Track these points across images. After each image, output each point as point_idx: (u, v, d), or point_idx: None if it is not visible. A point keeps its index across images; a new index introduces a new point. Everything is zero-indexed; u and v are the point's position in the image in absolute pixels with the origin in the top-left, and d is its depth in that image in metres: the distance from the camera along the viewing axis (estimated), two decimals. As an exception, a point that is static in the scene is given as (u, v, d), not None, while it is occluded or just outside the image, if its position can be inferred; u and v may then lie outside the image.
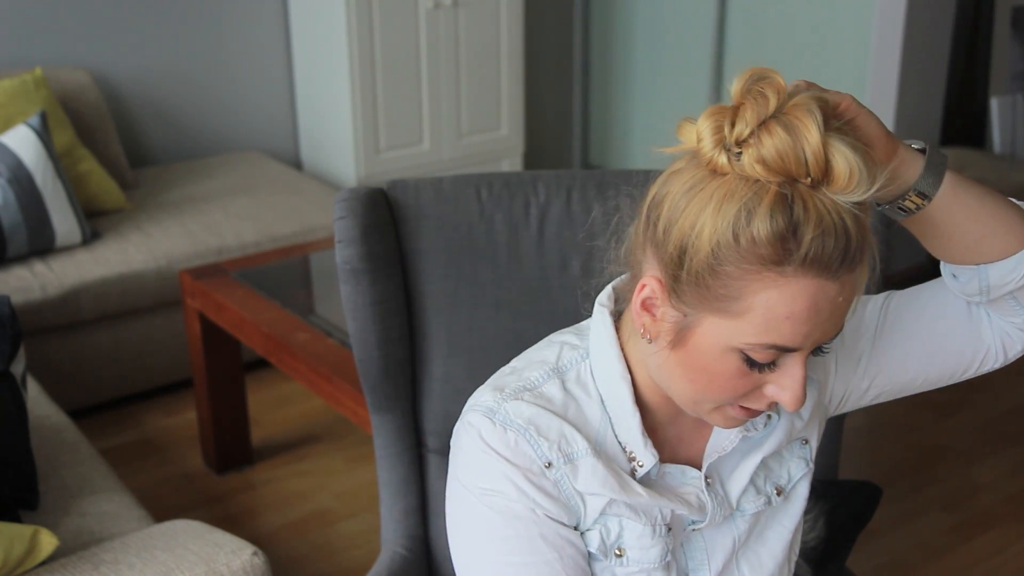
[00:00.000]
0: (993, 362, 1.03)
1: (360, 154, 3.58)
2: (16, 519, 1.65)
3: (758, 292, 0.82)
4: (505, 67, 3.82)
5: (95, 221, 3.01)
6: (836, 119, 0.85)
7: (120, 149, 3.31)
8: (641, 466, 0.96)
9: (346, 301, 1.47)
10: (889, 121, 3.55)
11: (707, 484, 1.00)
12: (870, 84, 3.57)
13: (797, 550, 1.09)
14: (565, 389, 0.97)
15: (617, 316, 1.00)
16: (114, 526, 1.72)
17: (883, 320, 1.04)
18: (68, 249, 2.85)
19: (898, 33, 3.45)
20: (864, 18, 3.57)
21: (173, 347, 2.95)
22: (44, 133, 2.84)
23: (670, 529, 0.99)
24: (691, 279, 0.85)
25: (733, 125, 0.82)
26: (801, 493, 1.06)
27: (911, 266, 1.96)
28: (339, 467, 2.70)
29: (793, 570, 1.09)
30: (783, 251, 0.80)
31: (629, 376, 0.96)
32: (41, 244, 2.78)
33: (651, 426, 0.99)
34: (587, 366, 0.98)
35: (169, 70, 3.57)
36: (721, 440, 1.00)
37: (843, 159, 0.80)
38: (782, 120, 0.81)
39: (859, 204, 0.82)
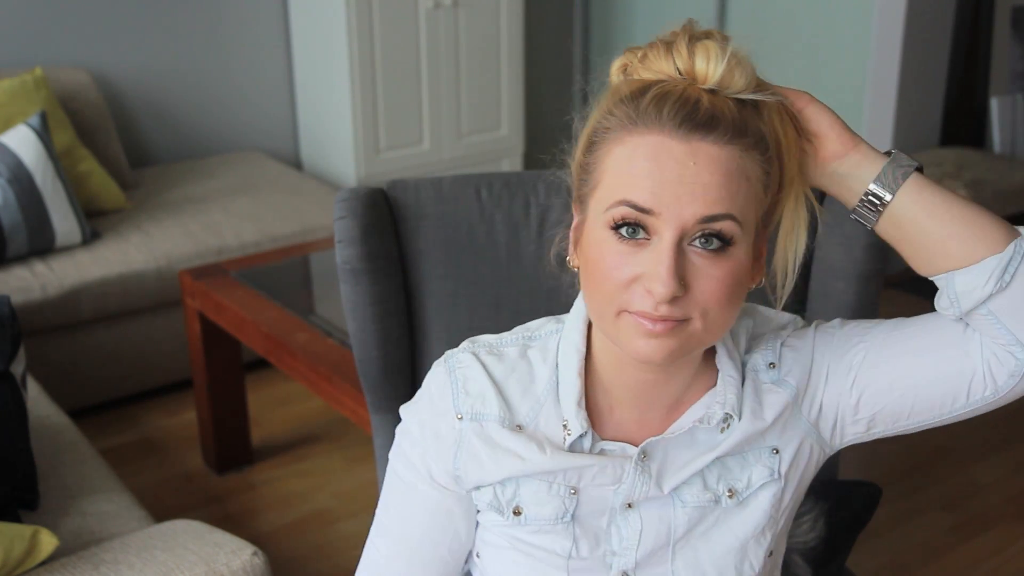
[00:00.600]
0: (983, 391, 0.97)
1: (360, 154, 3.58)
2: (16, 519, 1.65)
3: (610, 152, 0.91)
4: (505, 67, 3.82)
5: (95, 221, 3.01)
6: (790, 114, 0.94)
7: (120, 149, 3.31)
8: (569, 434, 1.00)
9: (346, 301, 1.47)
10: (889, 121, 3.55)
11: (642, 461, 1.00)
12: (870, 84, 3.58)
13: (756, 563, 1.03)
14: (524, 354, 1.04)
15: None
16: (114, 526, 1.72)
17: (879, 336, 1.01)
18: (68, 249, 2.85)
19: (898, 33, 3.45)
20: (864, 18, 3.57)
21: (173, 347, 2.95)
22: (44, 133, 2.84)
23: (575, 492, 1.00)
24: (578, 175, 0.96)
25: (632, 57, 0.94)
26: (761, 504, 1.02)
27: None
28: (339, 467, 2.70)
29: None
30: (631, 111, 0.89)
31: (584, 349, 1.01)
32: (41, 244, 2.79)
33: (606, 405, 1.02)
34: (556, 339, 1.04)
35: (169, 70, 3.57)
36: (674, 428, 1.00)
37: (703, 56, 0.89)
38: (664, 41, 0.92)
39: (753, 101, 0.90)
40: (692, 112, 0.87)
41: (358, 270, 1.44)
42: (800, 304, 1.53)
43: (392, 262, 1.47)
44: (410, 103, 3.64)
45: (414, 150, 3.71)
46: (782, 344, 1.03)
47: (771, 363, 1.02)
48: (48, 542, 1.52)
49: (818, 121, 0.95)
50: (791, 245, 0.97)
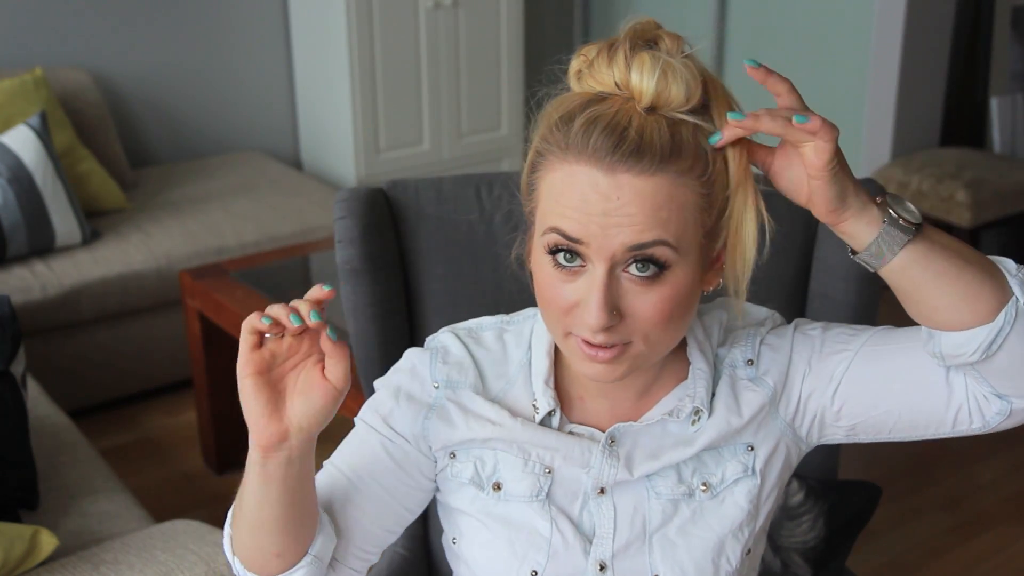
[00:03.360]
0: (969, 423, 0.96)
1: (360, 154, 3.58)
2: (16, 519, 1.65)
3: (545, 176, 0.91)
4: (505, 67, 3.82)
5: (95, 221, 3.01)
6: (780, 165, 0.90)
7: (120, 149, 3.31)
8: (538, 411, 1.01)
9: (346, 301, 1.47)
10: (889, 121, 3.55)
11: (609, 445, 1.00)
12: (870, 84, 3.58)
13: (733, 559, 1.02)
14: (500, 338, 1.07)
15: None
16: (114, 526, 1.72)
17: (866, 349, 0.99)
18: (68, 249, 2.85)
19: (898, 33, 3.45)
20: (864, 18, 3.57)
21: (173, 347, 2.95)
22: (44, 133, 2.84)
23: (549, 471, 1.01)
24: (525, 188, 0.95)
25: (588, 57, 0.92)
26: (738, 500, 1.02)
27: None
28: (339, 467, 2.69)
29: None
30: (562, 137, 0.88)
31: None
32: (41, 244, 2.79)
33: (576, 393, 1.03)
34: (531, 324, 1.07)
35: (169, 70, 3.57)
36: (644, 417, 1.01)
37: (637, 71, 0.87)
38: (612, 45, 0.90)
39: (695, 122, 0.88)
40: (619, 142, 0.85)
41: (358, 270, 1.44)
42: (800, 304, 1.53)
43: (392, 262, 1.47)
44: (410, 103, 3.64)
45: (414, 150, 3.71)
46: (761, 341, 1.03)
47: (749, 360, 1.02)
48: (48, 542, 1.52)
49: (818, 194, 0.87)
50: (740, 244, 0.93)
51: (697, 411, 1.00)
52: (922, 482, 2.63)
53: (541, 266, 0.92)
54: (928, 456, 2.74)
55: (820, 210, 0.88)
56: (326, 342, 0.89)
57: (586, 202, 0.87)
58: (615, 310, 0.88)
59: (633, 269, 0.88)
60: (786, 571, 1.53)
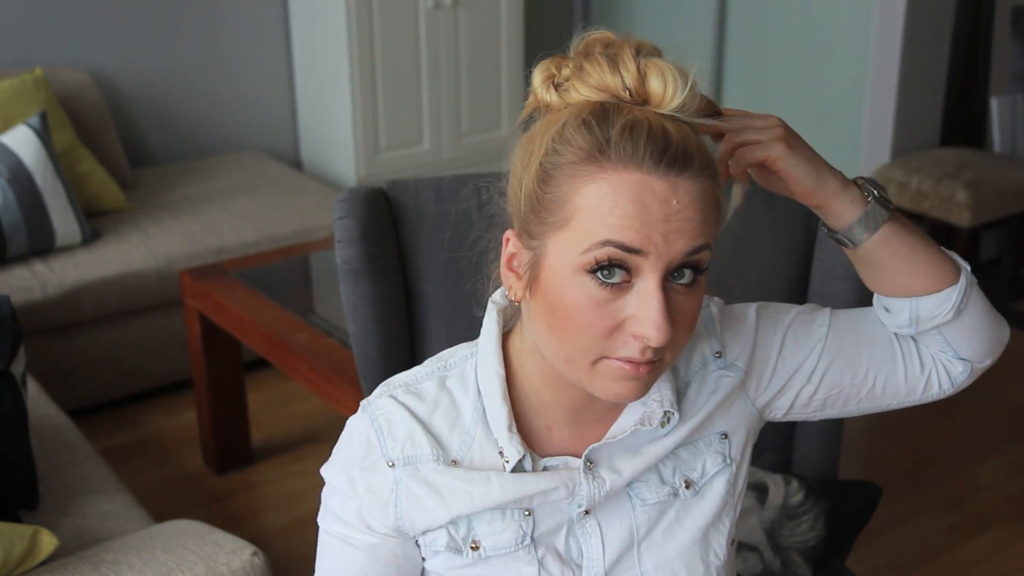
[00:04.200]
0: (939, 386, 1.06)
1: (360, 154, 3.58)
2: (16, 519, 1.65)
3: (580, 189, 0.85)
4: (505, 67, 3.82)
5: (95, 221, 3.01)
6: (764, 167, 0.95)
7: (120, 149, 3.31)
8: (507, 461, 0.95)
9: (346, 301, 1.47)
10: (889, 121, 3.55)
11: (588, 469, 0.97)
12: (870, 84, 3.58)
13: (720, 552, 1.03)
14: (444, 386, 0.99)
15: (513, 315, 1.00)
16: (114, 526, 1.72)
17: (841, 331, 1.04)
18: (68, 249, 2.85)
19: (898, 33, 3.45)
20: (864, 18, 3.57)
21: (173, 347, 2.95)
22: (44, 133, 2.84)
23: (529, 513, 0.97)
24: (530, 207, 0.88)
25: (559, 68, 0.89)
26: (717, 490, 1.01)
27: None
28: (339, 467, 2.69)
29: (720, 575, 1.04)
30: (597, 145, 0.84)
31: (503, 372, 0.97)
32: (41, 244, 2.79)
33: (541, 426, 0.98)
34: (472, 364, 1.00)
35: (169, 70, 3.57)
36: (615, 431, 0.98)
37: (658, 77, 0.85)
38: (605, 53, 0.88)
39: (699, 122, 0.88)
40: (666, 147, 0.84)
41: (358, 270, 1.44)
42: (800, 304, 1.53)
43: (392, 262, 1.47)
44: (410, 103, 3.64)
45: (414, 150, 3.71)
46: (720, 327, 1.03)
47: (717, 352, 1.02)
48: (48, 542, 1.52)
49: (790, 180, 0.95)
50: None
51: (667, 414, 0.99)
52: (922, 482, 2.63)
53: (571, 289, 0.86)
54: (928, 456, 2.74)
55: (801, 189, 0.95)
56: None
57: (646, 210, 0.83)
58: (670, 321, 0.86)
59: (675, 277, 0.86)
60: (786, 571, 1.53)
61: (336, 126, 3.63)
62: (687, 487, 1.01)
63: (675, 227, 0.84)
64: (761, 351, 1.02)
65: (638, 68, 0.86)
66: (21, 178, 2.74)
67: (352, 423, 1.00)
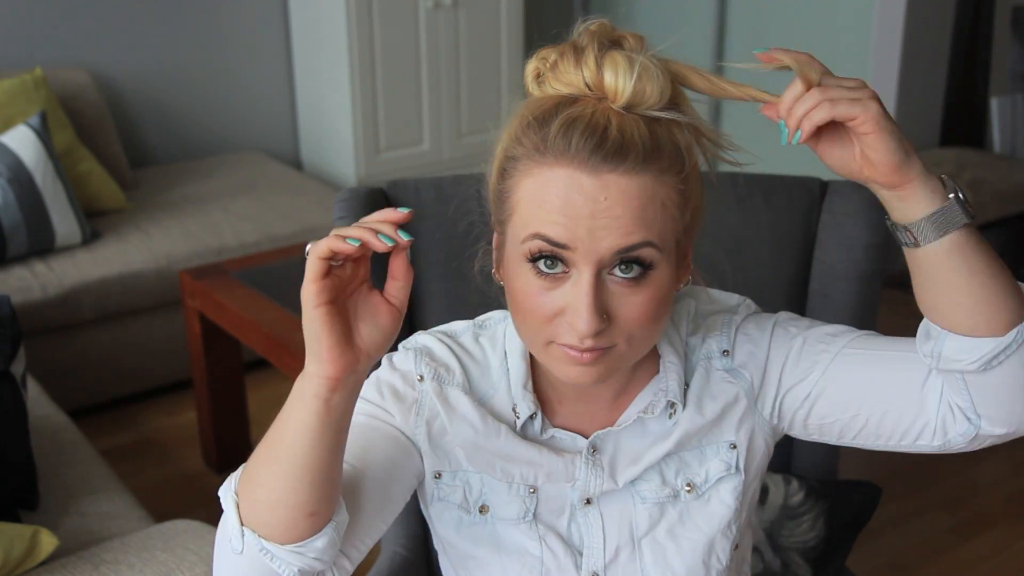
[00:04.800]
0: (931, 440, 0.99)
1: (360, 154, 3.58)
2: (16, 519, 1.65)
3: (521, 182, 0.89)
4: (505, 67, 3.82)
5: (95, 221, 3.01)
6: (852, 130, 0.88)
7: (120, 149, 3.31)
8: (519, 416, 1.00)
9: (346, 301, 1.47)
10: (889, 121, 3.55)
11: (592, 455, 1.00)
12: (870, 84, 3.57)
13: (723, 556, 1.02)
14: (477, 340, 1.05)
15: None
16: (114, 526, 1.72)
17: (845, 355, 0.99)
18: (68, 249, 2.85)
19: (898, 33, 3.45)
20: (864, 18, 3.57)
21: (173, 347, 2.95)
22: (44, 133, 2.84)
23: (533, 491, 1.00)
24: (495, 198, 0.94)
25: (545, 61, 0.91)
26: (724, 499, 1.02)
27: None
28: (339, 467, 2.69)
29: None
30: (539, 141, 0.87)
31: None
32: (41, 244, 2.79)
33: (554, 397, 1.02)
34: (504, 327, 1.05)
35: (169, 70, 3.57)
36: (623, 420, 1.00)
37: (611, 71, 0.85)
38: (576, 47, 0.89)
39: (673, 119, 0.88)
40: (601, 141, 0.84)
41: (358, 270, 1.44)
42: (800, 304, 1.53)
43: (392, 262, 1.47)
44: (410, 103, 3.64)
45: (414, 150, 3.71)
46: (736, 329, 1.02)
47: (725, 350, 1.02)
48: (48, 542, 1.52)
49: (876, 151, 0.86)
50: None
51: (671, 404, 1.00)
52: (922, 482, 2.63)
53: (519, 275, 0.90)
54: (928, 456, 2.73)
55: (884, 168, 0.85)
56: (401, 263, 0.87)
57: (571, 205, 0.85)
58: (603, 314, 0.87)
59: (618, 271, 0.87)
60: (786, 571, 1.53)
61: (336, 126, 3.63)
62: (688, 490, 1.02)
63: (602, 224, 0.85)
64: (770, 363, 1.01)
65: (596, 63, 0.87)
66: (21, 178, 2.74)
67: (385, 357, 1.04)
